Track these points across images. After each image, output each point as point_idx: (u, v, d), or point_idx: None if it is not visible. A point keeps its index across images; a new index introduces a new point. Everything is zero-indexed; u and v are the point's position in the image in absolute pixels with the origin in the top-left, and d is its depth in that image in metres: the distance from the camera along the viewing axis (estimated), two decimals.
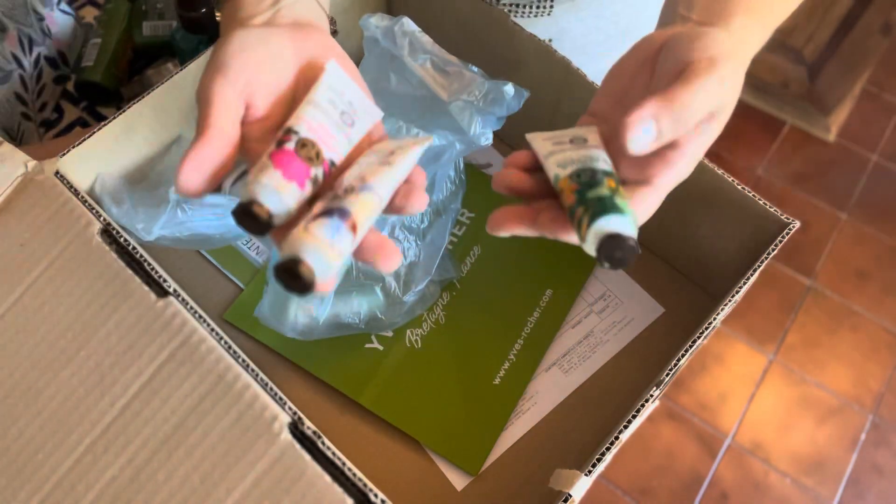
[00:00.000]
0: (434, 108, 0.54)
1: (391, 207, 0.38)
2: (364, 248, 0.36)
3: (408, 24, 0.54)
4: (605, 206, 0.33)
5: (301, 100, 0.39)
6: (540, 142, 0.40)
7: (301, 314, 0.55)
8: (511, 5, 0.67)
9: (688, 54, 0.36)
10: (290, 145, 0.36)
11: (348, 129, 0.40)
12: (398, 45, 0.54)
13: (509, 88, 0.54)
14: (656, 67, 0.39)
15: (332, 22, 0.46)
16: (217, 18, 0.68)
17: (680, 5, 0.40)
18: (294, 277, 0.32)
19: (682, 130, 0.34)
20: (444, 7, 0.64)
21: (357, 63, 0.56)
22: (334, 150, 0.39)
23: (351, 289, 0.56)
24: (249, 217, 0.35)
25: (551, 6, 0.68)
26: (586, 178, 0.35)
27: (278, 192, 0.35)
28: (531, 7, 0.68)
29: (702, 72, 0.34)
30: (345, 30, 0.66)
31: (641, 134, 0.32)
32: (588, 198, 0.34)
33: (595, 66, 0.53)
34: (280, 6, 0.43)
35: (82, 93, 0.77)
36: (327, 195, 0.36)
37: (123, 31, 0.78)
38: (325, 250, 0.32)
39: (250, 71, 0.38)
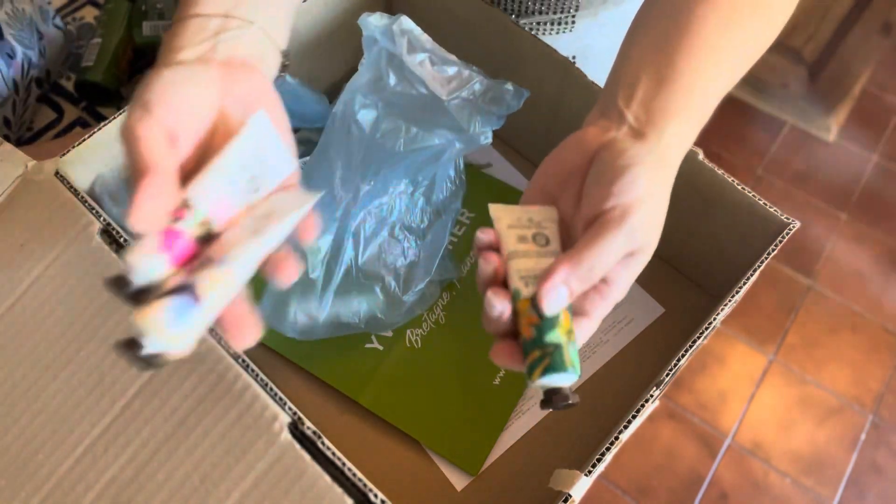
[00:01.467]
0: (433, 106, 0.54)
1: (265, 273, 0.38)
2: (224, 322, 0.36)
3: (406, 22, 0.54)
4: (557, 364, 0.36)
5: (217, 148, 0.38)
6: (504, 227, 0.40)
7: (301, 314, 0.55)
8: (533, 23, 0.67)
9: (606, 194, 0.38)
10: (185, 225, 0.35)
11: (252, 194, 0.38)
12: (397, 43, 0.54)
13: (509, 87, 0.54)
14: (584, 189, 0.40)
15: (286, 56, 0.45)
16: None
17: (620, 94, 0.41)
18: (134, 356, 0.33)
19: (593, 281, 0.37)
20: (444, 7, 0.64)
21: (357, 62, 0.56)
22: (229, 223, 0.37)
23: (351, 289, 0.56)
24: (122, 292, 0.34)
25: (573, 22, 0.68)
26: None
27: (155, 272, 0.34)
28: (553, 24, 0.68)
29: (612, 226, 0.37)
30: (344, 29, 0.66)
31: (555, 299, 0.36)
32: (546, 342, 0.37)
33: None
34: (218, 39, 0.41)
35: (82, 93, 0.77)
36: (192, 264, 0.36)
37: (124, 31, 0.78)
38: (163, 334, 0.33)
39: (173, 113, 0.37)
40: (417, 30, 0.55)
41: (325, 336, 0.57)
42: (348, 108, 0.55)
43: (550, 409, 0.37)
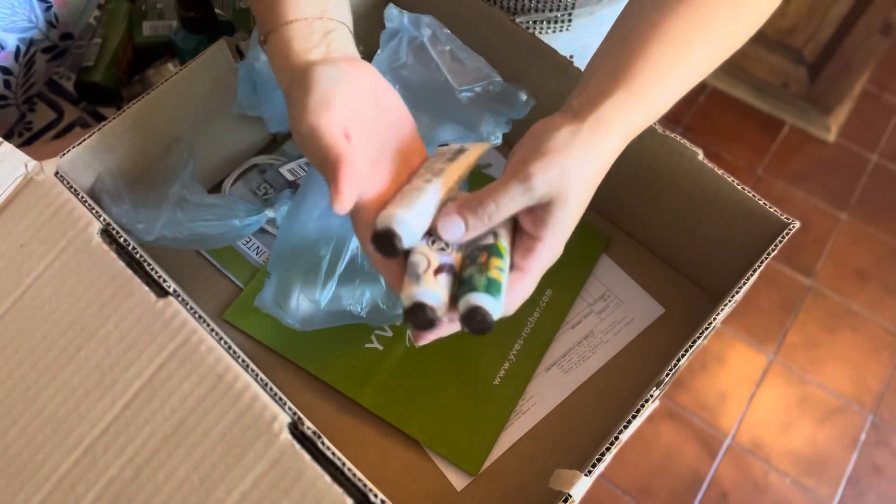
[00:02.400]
0: (447, 97, 0.55)
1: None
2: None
3: (431, 19, 0.56)
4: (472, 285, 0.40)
5: (380, 132, 0.44)
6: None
7: (304, 300, 0.55)
8: (530, 21, 0.67)
9: (520, 154, 0.42)
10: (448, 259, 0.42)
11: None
12: (422, 32, 0.55)
13: (522, 95, 0.55)
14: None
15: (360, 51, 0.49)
16: (218, 17, 0.68)
17: (576, 89, 0.44)
18: (424, 317, 0.40)
19: (490, 223, 0.41)
20: (444, 7, 0.64)
21: (371, 55, 0.57)
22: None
23: (354, 276, 0.56)
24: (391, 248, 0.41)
25: (570, 21, 0.68)
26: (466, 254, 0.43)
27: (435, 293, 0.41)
28: (550, 23, 0.68)
29: (507, 172, 0.41)
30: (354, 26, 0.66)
31: (452, 228, 0.40)
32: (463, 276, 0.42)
33: None
34: (329, 39, 0.45)
35: (82, 93, 0.77)
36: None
37: (124, 32, 0.78)
38: (441, 294, 0.40)
39: (348, 105, 0.42)
40: (442, 27, 0.57)
41: (326, 324, 0.56)
42: None
43: (468, 329, 0.40)
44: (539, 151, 0.40)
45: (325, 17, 0.46)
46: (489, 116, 0.55)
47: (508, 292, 0.41)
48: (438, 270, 0.41)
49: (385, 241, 0.40)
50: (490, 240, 0.42)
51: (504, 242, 0.43)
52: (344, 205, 0.40)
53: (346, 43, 0.47)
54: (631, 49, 0.43)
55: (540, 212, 0.41)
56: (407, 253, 0.41)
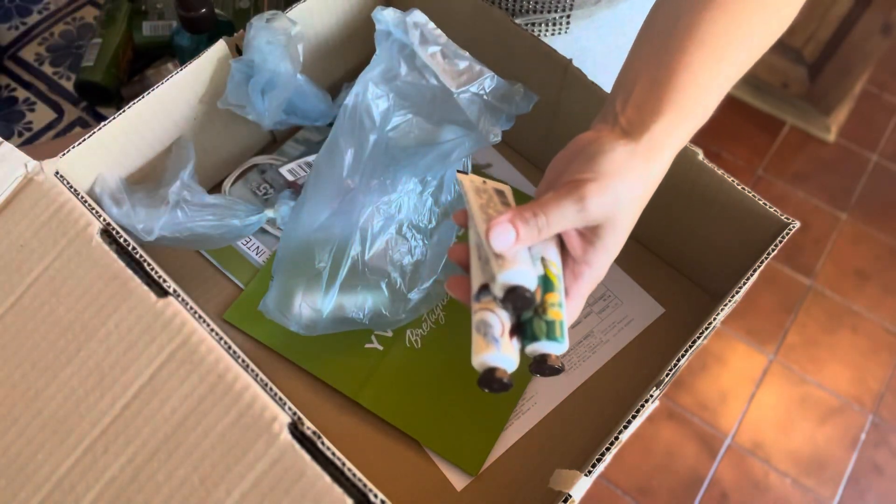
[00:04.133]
0: (443, 100, 0.54)
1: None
2: None
3: (419, 15, 0.55)
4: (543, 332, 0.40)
5: None
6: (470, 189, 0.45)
7: (306, 307, 0.55)
8: (529, 24, 0.67)
9: (573, 171, 0.41)
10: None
11: None
12: (409, 35, 0.54)
13: (520, 88, 0.55)
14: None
15: None
16: (218, 17, 0.68)
17: (617, 99, 0.43)
18: (499, 384, 0.40)
19: (540, 237, 0.40)
20: (443, 6, 0.64)
21: (356, 63, 0.56)
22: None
23: (356, 283, 0.56)
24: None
25: (568, 23, 0.68)
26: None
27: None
28: (548, 25, 0.68)
29: (563, 189, 0.40)
30: (351, 27, 0.66)
31: (503, 236, 0.39)
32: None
33: None
34: None
35: (82, 93, 0.77)
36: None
37: (124, 32, 0.78)
38: (514, 358, 0.40)
39: None
40: (430, 24, 0.55)
41: (328, 331, 0.56)
42: (360, 98, 0.55)
43: (538, 374, 0.40)
44: (595, 173, 0.40)
45: None
46: (488, 115, 0.54)
47: None
48: (512, 332, 0.40)
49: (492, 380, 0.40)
50: (540, 269, 0.42)
51: (554, 270, 0.42)
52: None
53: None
54: (672, 57, 0.42)
55: (589, 234, 0.41)
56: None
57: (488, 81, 0.54)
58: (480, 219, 0.43)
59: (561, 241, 0.43)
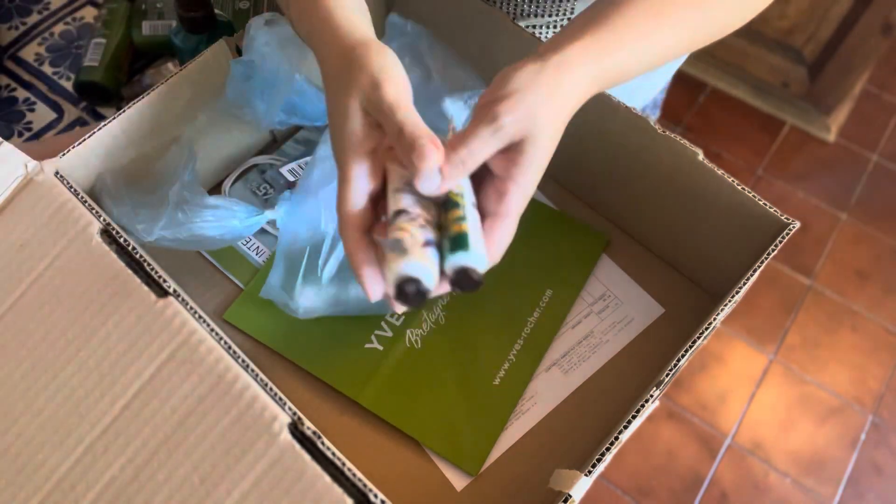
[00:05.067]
0: (435, 103, 0.55)
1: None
2: None
3: (430, 34, 0.58)
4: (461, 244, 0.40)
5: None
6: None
7: (308, 286, 0.56)
8: (528, 27, 0.67)
9: (484, 96, 0.41)
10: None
11: None
12: (422, 40, 0.57)
13: None
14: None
15: None
16: (218, 17, 0.68)
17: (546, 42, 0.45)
18: (414, 293, 0.38)
19: (466, 171, 0.40)
20: (444, 7, 0.64)
21: None
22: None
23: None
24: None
25: None
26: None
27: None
28: (548, 28, 0.68)
29: (476, 114, 0.40)
30: None
31: (428, 180, 0.39)
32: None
33: (619, 87, 0.54)
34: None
35: (82, 93, 0.77)
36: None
37: (124, 31, 0.78)
38: (432, 269, 0.39)
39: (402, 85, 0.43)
40: (439, 42, 0.58)
41: (330, 312, 0.57)
42: None
43: (458, 289, 0.39)
44: (504, 92, 0.40)
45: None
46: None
47: (489, 240, 0.41)
48: (425, 244, 0.40)
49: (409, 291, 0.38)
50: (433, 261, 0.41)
51: (455, 188, 0.42)
52: (450, 183, 0.40)
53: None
54: (610, 7, 0.43)
55: (511, 153, 0.41)
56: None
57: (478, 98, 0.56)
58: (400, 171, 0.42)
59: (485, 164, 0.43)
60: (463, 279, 0.39)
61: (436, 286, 0.39)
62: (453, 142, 0.40)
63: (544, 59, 0.42)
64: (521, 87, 0.40)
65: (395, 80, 0.41)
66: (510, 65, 0.43)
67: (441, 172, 0.40)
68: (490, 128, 0.39)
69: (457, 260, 0.39)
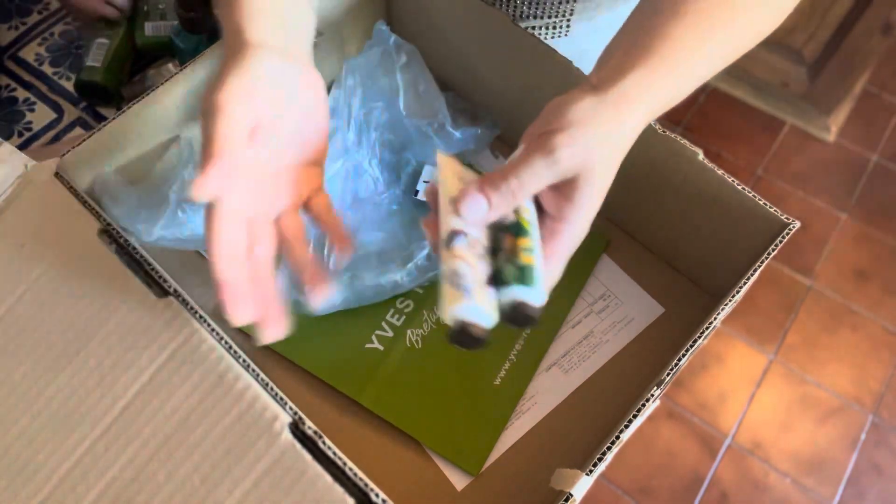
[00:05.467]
0: (394, 117, 0.61)
1: None
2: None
3: (413, 50, 0.60)
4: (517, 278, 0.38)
5: (294, 147, 0.44)
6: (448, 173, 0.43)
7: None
8: (528, 28, 0.67)
9: (539, 126, 0.40)
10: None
11: None
12: (397, 55, 0.59)
13: (477, 130, 0.61)
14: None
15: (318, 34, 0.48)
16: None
17: (595, 67, 0.43)
18: (470, 337, 0.36)
19: (514, 202, 0.39)
20: (444, 7, 0.64)
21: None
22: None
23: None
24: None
25: (568, 27, 0.67)
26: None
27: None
28: (548, 28, 0.68)
29: (532, 147, 0.39)
30: (346, 26, 0.66)
31: (474, 206, 0.38)
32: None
33: None
34: (289, 31, 0.44)
35: (82, 93, 0.77)
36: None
37: (125, 32, 0.78)
38: (492, 312, 0.37)
39: (272, 106, 0.42)
40: (421, 62, 0.60)
41: (347, 305, 0.58)
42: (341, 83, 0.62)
43: (511, 324, 0.37)
44: (561, 124, 0.38)
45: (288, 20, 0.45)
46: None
47: None
48: (489, 281, 0.38)
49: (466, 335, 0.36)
50: (511, 217, 0.40)
51: (527, 216, 0.40)
52: (203, 193, 0.38)
53: (305, 45, 0.46)
54: (652, 28, 0.42)
55: (565, 189, 0.39)
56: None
57: (442, 117, 0.60)
58: (452, 193, 0.40)
59: (537, 200, 0.41)
60: (519, 314, 0.37)
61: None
62: (504, 169, 0.38)
63: (601, 92, 0.40)
64: (579, 121, 0.38)
65: (231, 87, 0.39)
66: (561, 95, 0.41)
67: (488, 200, 0.38)
68: (545, 160, 0.38)
69: (519, 294, 0.37)
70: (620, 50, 0.42)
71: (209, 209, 0.39)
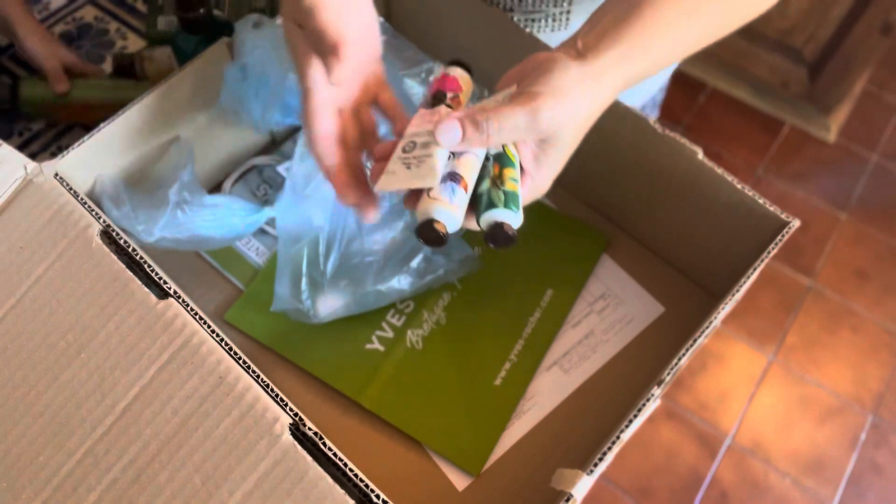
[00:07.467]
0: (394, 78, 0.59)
1: None
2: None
3: (407, 42, 0.61)
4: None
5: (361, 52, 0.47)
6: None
7: (324, 294, 0.57)
8: (527, 20, 0.67)
9: (528, 83, 0.42)
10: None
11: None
12: (396, 53, 0.59)
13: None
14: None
15: None
16: (217, 18, 0.68)
17: (582, 30, 0.44)
18: (432, 233, 0.40)
19: (486, 143, 0.41)
20: (443, 7, 0.64)
21: None
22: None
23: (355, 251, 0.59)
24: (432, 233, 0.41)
25: (568, 19, 0.67)
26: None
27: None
28: (547, 20, 0.68)
29: (517, 100, 0.41)
30: None
31: (449, 133, 0.40)
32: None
33: None
34: None
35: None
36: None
37: None
38: (449, 208, 0.40)
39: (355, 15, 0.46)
40: (419, 58, 0.60)
41: (349, 312, 0.58)
42: None
43: (492, 243, 0.42)
44: (550, 87, 0.40)
45: None
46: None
47: None
48: (473, 204, 0.41)
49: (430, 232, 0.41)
50: (500, 149, 0.43)
51: (513, 149, 0.43)
52: (341, 76, 0.42)
53: None
54: (641, 5, 0.43)
55: (534, 147, 0.42)
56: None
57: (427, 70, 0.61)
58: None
59: None
60: (501, 234, 0.41)
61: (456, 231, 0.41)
62: (488, 111, 0.40)
63: (585, 61, 0.41)
64: (565, 88, 0.41)
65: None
66: (552, 52, 0.43)
67: (463, 132, 0.40)
68: (528, 118, 0.40)
69: (502, 216, 0.41)
70: (610, 16, 0.44)
71: (306, 96, 0.45)
